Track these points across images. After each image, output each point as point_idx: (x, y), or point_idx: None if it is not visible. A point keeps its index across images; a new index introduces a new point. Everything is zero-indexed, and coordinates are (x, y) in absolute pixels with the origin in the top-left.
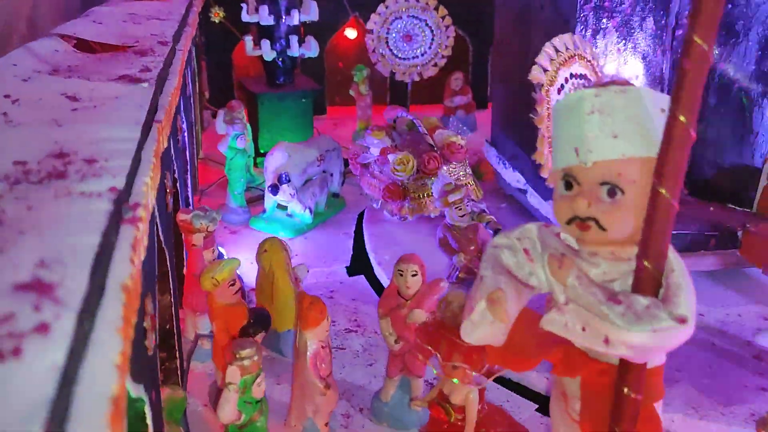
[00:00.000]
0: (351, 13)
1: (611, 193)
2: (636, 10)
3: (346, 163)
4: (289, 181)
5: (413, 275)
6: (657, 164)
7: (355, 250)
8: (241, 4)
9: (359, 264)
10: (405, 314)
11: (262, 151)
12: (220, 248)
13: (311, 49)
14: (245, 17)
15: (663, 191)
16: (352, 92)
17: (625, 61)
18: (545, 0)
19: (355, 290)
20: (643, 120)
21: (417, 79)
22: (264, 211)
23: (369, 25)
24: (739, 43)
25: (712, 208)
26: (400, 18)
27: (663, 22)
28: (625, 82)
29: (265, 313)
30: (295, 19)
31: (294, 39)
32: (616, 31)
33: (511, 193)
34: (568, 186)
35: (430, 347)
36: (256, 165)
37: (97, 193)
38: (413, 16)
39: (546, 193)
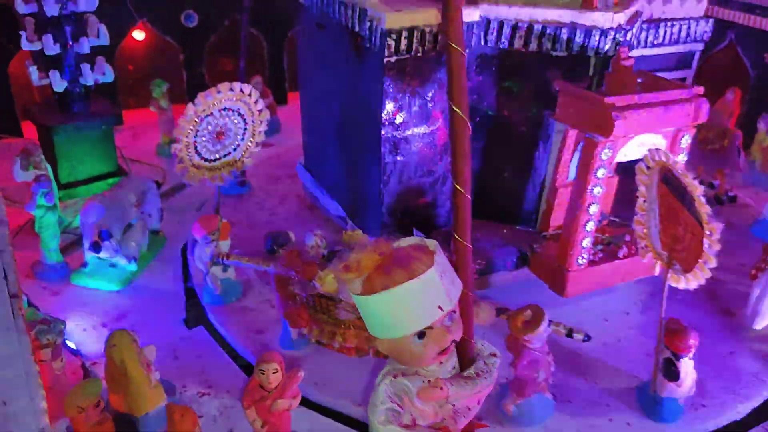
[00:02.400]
0: (138, 18)
1: (451, 317)
2: (435, 73)
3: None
4: (110, 236)
5: (274, 372)
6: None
7: (186, 294)
8: (20, 32)
9: (194, 310)
10: (269, 404)
11: (63, 182)
12: (68, 342)
13: (105, 73)
14: (26, 45)
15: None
16: (152, 108)
17: (424, 115)
18: (350, 53)
19: (198, 345)
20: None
21: (232, 178)
22: (85, 264)
23: (176, 133)
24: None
25: (505, 230)
26: (211, 115)
27: None
28: (426, 244)
29: (130, 418)
30: (85, 46)
31: (86, 67)
32: (418, 92)
33: (330, 217)
34: (421, 335)
35: None
36: (60, 199)
37: None
38: (225, 109)
39: (369, 227)
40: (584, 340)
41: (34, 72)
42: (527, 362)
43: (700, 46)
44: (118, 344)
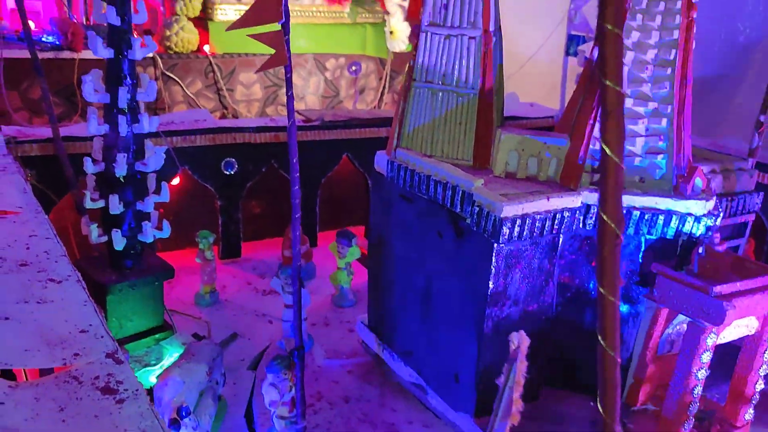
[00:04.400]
0: (180, 166)
1: None
2: (535, 254)
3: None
4: (189, 413)
5: None
6: None
7: None
8: (84, 191)
9: None
10: None
11: None
12: None
13: (163, 230)
14: (88, 204)
15: None
16: (198, 260)
17: (524, 294)
18: (446, 230)
19: None
20: None
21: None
22: None
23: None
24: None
25: (592, 403)
26: None
27: (554, 260)
28: None
29: None
30: (150, 205)
31: (147, 225)
32: (520, 272)
33: (398, 381)
34: None
35: None
36: None
37: None
38: None
39: (457, 403)
40: None
41: (94, 230)
42: None
43: (752, 217)
44: None
